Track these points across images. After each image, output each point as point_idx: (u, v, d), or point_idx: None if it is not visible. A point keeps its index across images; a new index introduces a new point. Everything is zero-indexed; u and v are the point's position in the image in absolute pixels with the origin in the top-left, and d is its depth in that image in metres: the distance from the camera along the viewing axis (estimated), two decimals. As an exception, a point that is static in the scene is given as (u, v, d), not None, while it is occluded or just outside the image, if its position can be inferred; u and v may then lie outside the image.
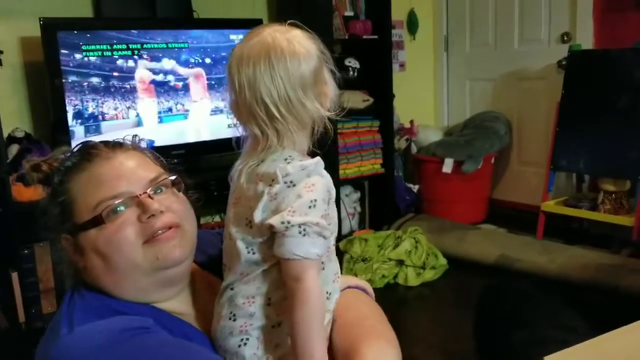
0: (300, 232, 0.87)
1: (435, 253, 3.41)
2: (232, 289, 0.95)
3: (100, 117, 2.98)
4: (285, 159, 0.91)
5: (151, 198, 0.94)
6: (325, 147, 1.00)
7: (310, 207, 0.87)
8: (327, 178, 0.93)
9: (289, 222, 0.86)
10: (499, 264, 3.32)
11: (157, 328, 0.89)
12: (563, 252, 3.30)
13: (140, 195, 0.93)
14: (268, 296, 0.93)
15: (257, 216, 0.90)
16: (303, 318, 0.87)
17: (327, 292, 0.97)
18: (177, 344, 0.88)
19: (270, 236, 0.90)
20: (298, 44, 0.92)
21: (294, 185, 0.89)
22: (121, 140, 1.01)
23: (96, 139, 2.85)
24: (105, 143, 0.99)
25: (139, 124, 3.10)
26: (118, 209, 0.92)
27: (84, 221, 0.92)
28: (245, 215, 0.93)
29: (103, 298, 0.94)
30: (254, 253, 0.92)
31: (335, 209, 0.96)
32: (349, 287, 1.10)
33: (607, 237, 3.56)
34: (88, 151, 0.97)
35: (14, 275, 2.76)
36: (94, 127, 2.96)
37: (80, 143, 1.01)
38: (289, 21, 0.97)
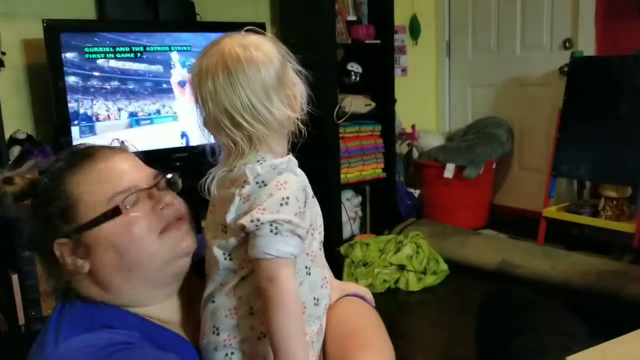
0: (271, 231, 0.85)
1: (437, 258, 3.40)
2: (213, 301, 0.94)
3: (95, 118, 2.98)
4: (258, 161, 0.91)
5: (160, 190, 0.96)
6: (297, 147, 0.98)
7: (281, 204, 0.86)
8: (301, 176, 0.93)
9: (258, 220, 0.85)
10: (500, 270, 3.31)
11: (143, 342, 0.88)
12: (564, 259, 3.29)
13: (150, 188, 0.95)
14: (249, 305, 0.92)
15: (229, 217, 0.89)
16: (280, 321, 0.85)
17: (314, 298, 0.96)
18: (160, 358, 0.87)
19: (244, 239, 0.89)
20: (255, 50, 0.92)
21: (265, 185, 0.88)
22: (112, 145, 1.01)
23: (97, 140, 2.87)
24: (100, 145, 0.99)
25: (136, 124, 3.10)
26: (132, 202, 0.92)
27: (96, 216, 0.90)
28: (220, 220, 0.92)
29: (93, 309, 0.93)
30: (230, 259, 0.92)
31: (316, 209, 0.95)
32: (346, 295, 1.08)
33: (608, 243, 3.56)
34: (84, 152, 0.96)
35: (14, 278, 2.75)
36: (91, 127, 2.96)
37: (70, 147, 1.01)
38: (245, 28, 0.97)
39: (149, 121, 3.14)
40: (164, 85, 3.17)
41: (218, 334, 0.93)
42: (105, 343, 0.84)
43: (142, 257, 0.91)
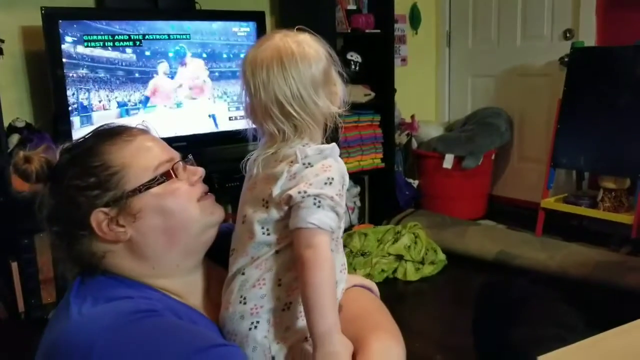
0: (314, 203, 0.92)
1: (435, 248, 3.41)
2: (243, 273, 0.99)
3: (94, 107, 2.98)
4: (304, 145, 0.99)
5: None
6: (337, 142, 1.05)
7: (326, 183, 0.94)
8: (341, 164, 1.01)
9: (305, 192, 0.93)
10: (498, 260, 3.32)
11: (166, 312, 0.90)
12: (562, 249, 3.30)
13: (184, 160, 1.03)
14: (278, 277, 0.98)
15: (275, 192, 0.96)
16: (317, 281, 0.91)
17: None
18: (185, 327, 0.90)
19: (286, 213, 0.96)
20: (308, 47, 0.99)
21: (311, 166, 0.96)
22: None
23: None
24: (126, 126, 1.04)
25: (139, 114, 3.10)
26: (181, 167, 1.00)
27: (146, 181, 0.96)
28: (262, 196, 0.99)
29: (115, 282, 0.96)
30: (268, 234, 0.98)
31: (345, 200, 1.00)
32: (354, 285, 1.13)
33: (606, 234, 3.57)
34: (118, 129, 1.01)
35: (14, 266, 2.76)
36: (89, 117, 2.96)
37: (98, 127, 1.04)
38: (297, 27, 1.03)
39: (152, 110, 3.14)
40: (162, 73, 3.16)
41: (245, 303, 0.98)
42: (131, 309, 0.87)
43: (186, 221, 0.98)
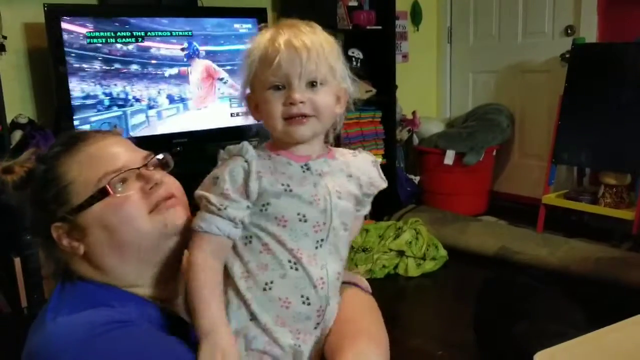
0: (199, 204, 0.94)
1: (436, 244, 3.42)
2: None
3: (97, 102, 2.98)
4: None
5: (150, 170, 0.98)
6: (338, 138, 1.03)
7: (212, 183, 0.93)
8: (238, 163, 0.94)
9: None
10: (499, 256, 3.33)
11: (140, 321, 0.90)
12: (563, 245, 3.30)
13: (140, 167, 0.96)
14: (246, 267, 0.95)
15: None
16: (188, 285, 0.92)
17: (302, 296, 0.93)
18: (156, 338, 0.89)
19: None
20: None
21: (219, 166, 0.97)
22: (105, 129, 1.05)
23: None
24: (94, 130, 1.03)
25: (141, 110, 3.11)
26: (123, 182, 0.94)
27: (87, 197, 0.92)
28: None
29: (94, 288, 0.95)
30: None
31: (304, 205, 0.93)
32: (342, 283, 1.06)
33: (607, 230, 3.57)
34: (77, 135, 0.99)
35: (17, 261, 2.77)
36: (92, 114, 2.97)
37: (65, 132, 1.03)
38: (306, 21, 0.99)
39: (152, 107, 3.14)
40: (165, 70, 3.17)
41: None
42: (103, 320, 0.86)
43: (133, 236, 0.93)
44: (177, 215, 0.96)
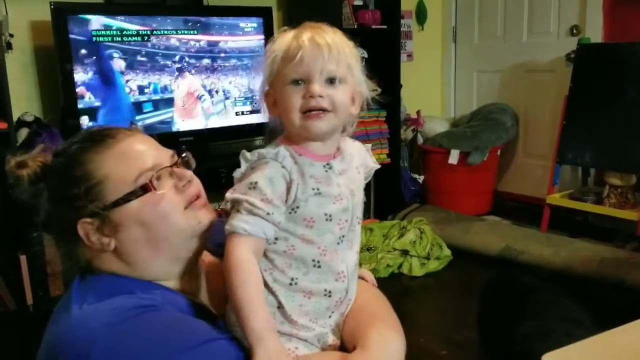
0: (234, 208, 0.95)
1: (440, 244, 3.42)
2: None
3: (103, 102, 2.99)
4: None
5: (179, 168, 1.00)
6: None
7: (250, 188, 0.93)
8: (274, 168, 0.97)
9: (226, 198, 0.96)
10: (503, 256, 3.33)
11: (166, 306, 0.91)
12: (567, 245, 3.30)
13: (172, 165, 0.99)
14: (271, 276, 0.97)
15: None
16: (233, 285, 0.91)
17: (325, 290, 0.98)
18: (184, 321, 0.90)
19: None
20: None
21: (251, 169, 0.98)
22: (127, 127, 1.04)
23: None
24: (117, 127, 1.02)
25: (148, 109, 3.12)
26: (158, 177, 0.96)
27: (125, 194, 0.93)
28: None
29: (117, 279, 0.96)
30: None
31: (329, 205, 0.96)
32: None
33: (611, 231, 3.57)
34: (105, 132, 0.99)
35: (23, 258, 2.78)
36: (97, 112, 2.98)
37: (86, 129, 1.03)
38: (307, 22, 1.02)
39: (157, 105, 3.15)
40: (170, 69, 3.17)
41: None
42: (131, 305, 0.88)
43: (169, 232, 0.95)
44: (208, 213, 1.00)
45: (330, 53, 0.93)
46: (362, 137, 3.91)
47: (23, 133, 2.85)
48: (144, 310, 0.87)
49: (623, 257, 3.11)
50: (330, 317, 0.99)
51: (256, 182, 0.92)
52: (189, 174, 1.00)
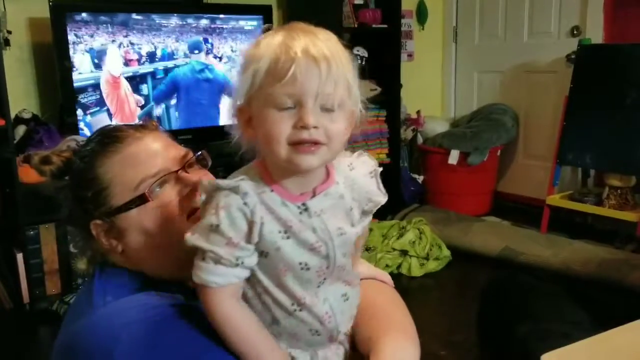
0: (198, 254, 0.81)
1: (439, 244, 3.41)
2: None
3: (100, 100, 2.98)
4: None
5: (187, 173, 0.97)
6: None
7: (211, 231, 0.79)
8: (237, 201, 0.82)
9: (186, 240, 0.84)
10: (502, 257, 3.32)
11: (188, 304, 0.90)
12: (567, 246, 3.29)
13: (178, 171, 0.96)
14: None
15: None
16: (225, 336, 0.82)
17: (311, 330, 0.87)
18: (205, 321, 0.87)
19: None
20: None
21: (208, 202, 0.84)
22: (142, 122, 1.02)
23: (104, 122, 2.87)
24: (130, 125, 1.00)
25: (147, 107, 3.11)
26: (161, 186, 0.94)
27: (125, 202, 0.93)
28: None
29: (135, 274, 0.96)
30: None
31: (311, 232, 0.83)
32: (366, 278, 1.04)
33: (611, 232, 3.56)
34: (115, 134, 0.97)
35: (19, 256, 2.77)
36: (95, 110, 2.97)
37: (100, 128, 1.02)
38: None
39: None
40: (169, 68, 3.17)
41: None
42: (156, 303, 0.86)
43: (171, 241, 0.91)
44: None
45: (330, 70, 0.75)
46: (361, 136, 3.90)
47: (21, 130, 2.85)
48: (166, 309, 0.85)
49: (622, 258, 3.10)
50: (327, 347, 0.92)
51: (217, 225, 0.77)
52: (194, 179, 0.94)
